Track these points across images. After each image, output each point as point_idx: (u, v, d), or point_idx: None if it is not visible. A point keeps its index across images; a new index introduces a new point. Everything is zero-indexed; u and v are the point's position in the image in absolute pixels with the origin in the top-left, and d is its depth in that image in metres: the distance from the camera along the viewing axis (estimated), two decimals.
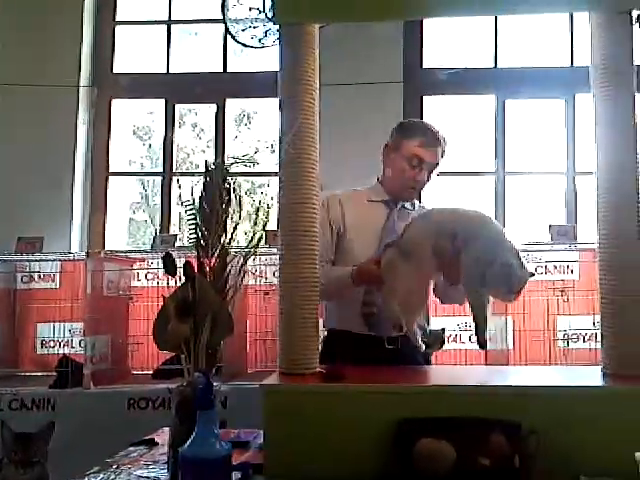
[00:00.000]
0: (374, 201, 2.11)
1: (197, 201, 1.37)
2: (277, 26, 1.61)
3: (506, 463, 1.23)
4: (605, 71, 1.52)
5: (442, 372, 1.57)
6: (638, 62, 1.52)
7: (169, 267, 1.29)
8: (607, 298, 1.50)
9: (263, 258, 3.06)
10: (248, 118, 5.40)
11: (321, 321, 2.15)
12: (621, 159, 1.51)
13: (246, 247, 1.37)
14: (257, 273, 3.10)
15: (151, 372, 3.04)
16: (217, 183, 1.29)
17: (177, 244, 3.01)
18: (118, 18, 4.08)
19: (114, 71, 4.04)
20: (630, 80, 1.51)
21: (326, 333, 2.11)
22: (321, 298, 1.67)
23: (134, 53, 4.13)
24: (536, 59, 3.90)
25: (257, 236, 1.37)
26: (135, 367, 3.16)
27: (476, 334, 1.58)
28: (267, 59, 3.52)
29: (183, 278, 1.31)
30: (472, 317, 1.58)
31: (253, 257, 2.97)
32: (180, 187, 1.47)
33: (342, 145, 3.52)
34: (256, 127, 5.26)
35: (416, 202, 2.18)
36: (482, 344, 1.58)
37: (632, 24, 1.52)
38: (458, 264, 1.60)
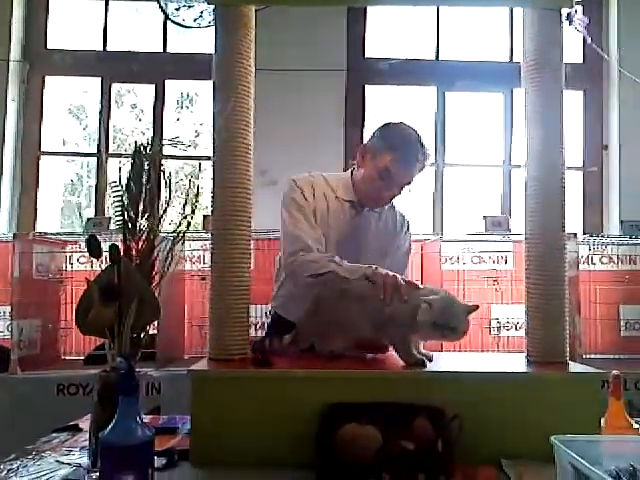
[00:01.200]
0: (341, 200, 1.98)
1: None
2: (213, 6, 1.57)
3: (429, 447, 1.25)
4: (535, 67, 1.56)
5: (369, 358, 1.58)
6: (567, 59, 1.57)
7: (93, 250, 1.25)
8: (531, 287, 1.55)
9: (200, 243, 3.02)
10: (190, 100, 5.31)
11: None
12: (548, 153, 1.55)
13: (174, 231, 1.34)
14: (194, 258, 3.07)
15: (83, 358, 2.96)
16: (142, 165, 1.26)
17: (111, 227, 2.94)
18: None
19: (48, 47, 3.88)
20: (559, 76, 1.56)
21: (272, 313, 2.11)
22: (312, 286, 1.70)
23: (70, 28, 3.97)
24: (476, 53, 3.98)
25: (186, 220, 1.34)
26: (67, 352, 3.08)
27: (402, 358, 1.49)
28: (209, 40, 3.46)
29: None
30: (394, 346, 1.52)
31: (190, 242, 2.96)
32: (104, 169, 1.42)
33: (285, 130, 3.51)
34: (198, 110, 5.17)
35: None
36: (411, 363, 1.46)
37: (561, 22, 1.56)
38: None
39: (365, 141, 2.01)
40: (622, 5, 3.80)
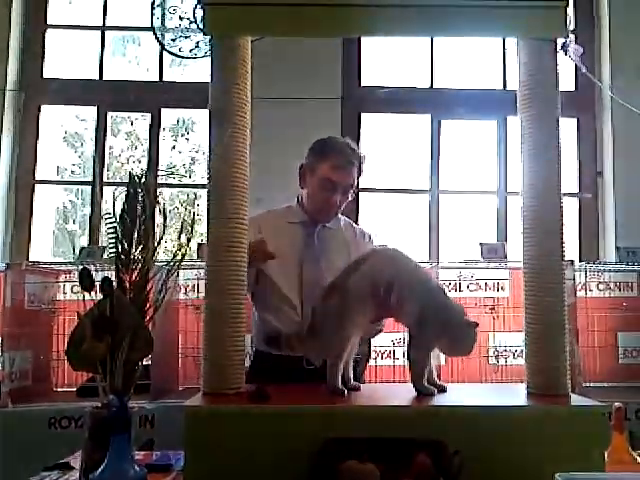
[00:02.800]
0: (293, 223, 2.07)
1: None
2: (209, 37, 1.57)
3: None
4: (530, 95, 1.56)
5: (368, 391, 1.55)
6: (562, 87, 1.57)
7: (86, 282, 1.23)
8: (531, 317, 1.53)
9: (195, 272, 2.99)
10: (186, 129, 5.33)
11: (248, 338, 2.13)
12: (545, 181, 1.54)
13: (168, 262, 1.31)
14: (189, 287, 3.03)
15: (75, 389, 2.91)
16: (136, 196, 1.24)
17: (105, 256, 2.91)
18: (49, 21, 3.94)
19: (44, 76, 3.89)
20: (554, 104, 1.56)
21: (253, 352, 2.08)
22: None
23: (66, 58, 3.99)
24: (470, 81, 4.01)
25: (181, 251, 1.32)
26: (59, 384, 3.02)
27: (413, 381, 1.51)
28: (205, 69, 3.49)
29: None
30: (411, 364, 1.52)
31: (185, 271, 2.93)
32: (102, 197, 1.40)
33: (281, 159, 3.50)
34: (194, 137, 5.20)
35: (340, 217, 2.14)
36: (420, 390, 1.49)
37: (557, 51, 1.57)
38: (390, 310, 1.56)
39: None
40: (613, 33, 3.85)
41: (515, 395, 1.55)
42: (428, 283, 1.56)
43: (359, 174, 2.04)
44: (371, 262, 1.55)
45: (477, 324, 1.51)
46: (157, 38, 3.35)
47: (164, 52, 3.70)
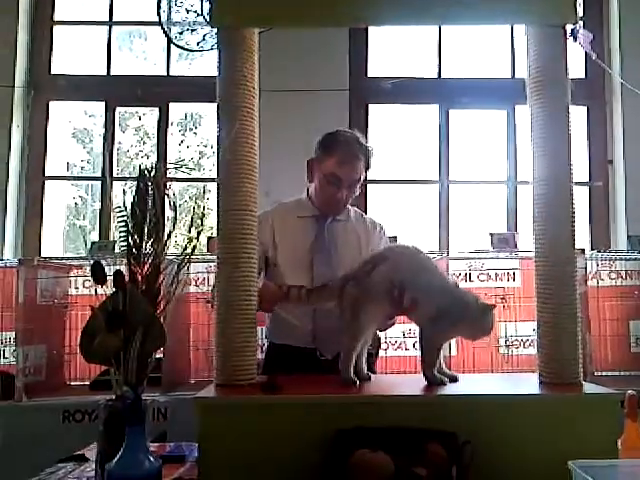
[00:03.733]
0: (303, 217, 2.07)
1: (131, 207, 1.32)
2: (216, 30, 1.57)
3: (443, 473, 1.22)
4: (540, 83, 1.55)
5: (380, 382, 1.55)
6: (572, 75, 1.56)
7: (98, 276, 1.24)
8: (543, 307, 1.53)
9: (205, 265, 3.00)
10: (194, 122, 5.34)
11: (263, 330, 2.14)
12: (556, 170, 1.53)
13: (179, 255, 1.32)
14: (199, 280, 3.05)
15: (88, 383, 2.93)
16: (146, 189, 1.24)
17: (116, 250, 2.92)
18: (56, 18, 3.95)
19: (52, 72, 3.91)
20: (564, 92, 1.55)
21: (267, 344, 2.09)
22: None
23: (73, 54, 4.01)
24: (478, 70, 3.99)
25: (192, 244, 1.33)
26: (72, 378, 3.05)
27: (424, 371, 1.52)
28: (212, 63, 3.49)
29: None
30: (423, 355, 1.54)
31: (195, 264, 2.94)
32: (112, 193, 1.41)
33: (289, 151, 3.50)
34: (202, 131, 5.21)
35: (350, 209, 2.13)
36: (430, 380, 1.50)
37: (566, 38, 1.56)
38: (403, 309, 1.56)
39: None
40: (623, 19, 3.81)
41: (527, 384, 1.55)
42: (443, 283, 1.56)
43: (367, 168, 2.02)
44: (388, 262, 1.54)
45: (494, 306, 1.53)
46: (164, 32, 3.36)
47: (171, 46, 3.71)
